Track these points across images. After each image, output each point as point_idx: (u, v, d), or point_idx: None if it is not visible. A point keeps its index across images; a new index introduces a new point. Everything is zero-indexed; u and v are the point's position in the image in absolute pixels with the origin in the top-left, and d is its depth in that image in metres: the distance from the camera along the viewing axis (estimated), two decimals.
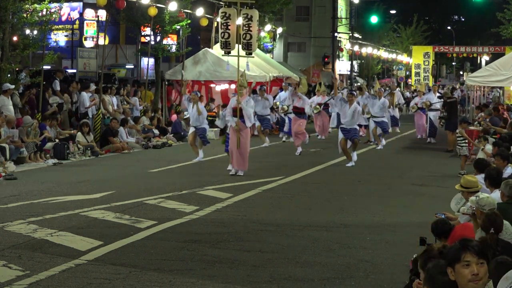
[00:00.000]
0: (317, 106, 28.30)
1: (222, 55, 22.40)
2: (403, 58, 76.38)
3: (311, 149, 25.11)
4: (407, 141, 29.03)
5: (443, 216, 9.65)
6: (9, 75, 21.44)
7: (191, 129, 20.85)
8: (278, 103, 27.90)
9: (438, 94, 29.07)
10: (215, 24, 18.05)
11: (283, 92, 28.77)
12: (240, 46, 19.15)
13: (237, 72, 18.79)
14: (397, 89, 44.02)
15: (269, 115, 27.28)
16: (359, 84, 52.46)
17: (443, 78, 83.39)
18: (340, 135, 20.29)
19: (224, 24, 18.84)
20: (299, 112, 23.98)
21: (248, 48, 19.15)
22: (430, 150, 23.85)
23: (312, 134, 28.66)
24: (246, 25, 18.88)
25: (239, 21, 19.20)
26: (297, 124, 23.64)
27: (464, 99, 52.28)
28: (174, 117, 29.10)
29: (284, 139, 27.77)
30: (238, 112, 17.83)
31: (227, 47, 19.07)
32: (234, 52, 19.46)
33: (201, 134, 20.72)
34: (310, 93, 36.02)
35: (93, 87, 24.94)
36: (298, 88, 24.40)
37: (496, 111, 23.90)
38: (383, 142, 25.70)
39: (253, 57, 20.78)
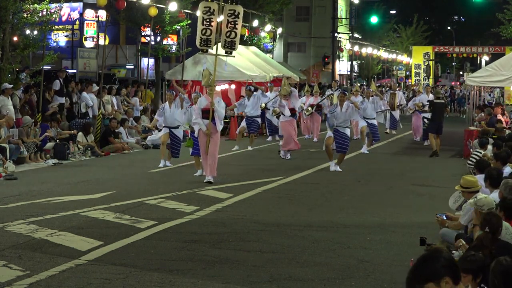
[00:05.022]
0: (309, 108, 27.70)
1: (200, 53, 20.26)
2: (403, 58, 76.39)
3: (311, 149, 25.12)
4: (405, 143, 28.99)
5: (444, 217, 9.66)
6: (9, 75, 21.45)
7: (165, 130, 19.34)
8: (263, 104, 26.79)
9: (424, 97, 28.38)
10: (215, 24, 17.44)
11: (268, 93, 27.48)
12: (220, 44, 17.63)
13: (213, 71, 17.60)
14: (398, 89, 43.87)
15: (258, 116, 25.67)
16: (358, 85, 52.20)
17: (442, 78, 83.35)
18: (329, 134, 19.29)
19: (207, 20, 17.20)
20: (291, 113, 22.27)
21: (232, 47, 17.61)
22: (429, 150, 23.82)
23: (301, 137, 28.57)
24: (232, 22, 17.32)
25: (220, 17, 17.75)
26: (289, 129, 21.85)
27: (462, 99, 52.30)
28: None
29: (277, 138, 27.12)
30: (210, 114, 16.57)
31: (207, 45, 17.46)
32: (211, 50, 18.14)
33: (174, 144, 19.34)
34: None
35: (95, 87, 24.95)
36: (281, 90, 22.59)
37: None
38: (364, 149, 24.29)
39: (233, 56, 19.04)
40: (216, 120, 16.62)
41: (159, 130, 20.69)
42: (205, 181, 16.52)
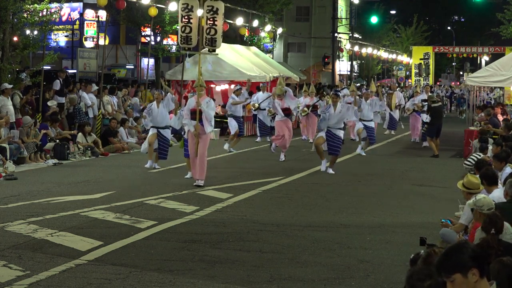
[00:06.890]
0: (305, 109, 27.37)
1: (184, 51, 19.60)
2: (403, 58, 76.41)
3: (311, 149, 25.12)
4: (404, 143, 28.93)
5: (448, 222, 9.64)
6: (9, 75, 21.46)
7: (153, 130, 18.94)
8: (257, 104, 26.48)
9: (422, 97, 28.08)
10: None
11: (260, 93, 27.15)
12: (203, 42, 17.04)
13: (198, 71, 16.98)
14: (398, 89, 43.82)
15: (242, 117, 25.34)
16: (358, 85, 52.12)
17: (442, 79, 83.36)
18: (321, 134, 18.86)
19: (186, 17, 16.66)
20: (285, 113, 21.71)
21: (212, 44, 16.91)
22: (429, 151, 23.81)
23: (299, 138, 28.47)
24: (211, 19, 16.72)
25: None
26: (282, 128, 21.45)
27: (460, 99, 52.28)
28: (171, 116, 28.99)
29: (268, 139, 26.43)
30: (197, 115, 16.13)
31: (188, 43, 16.85)
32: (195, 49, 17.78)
33: (161, 145, 18.96)
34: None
35: (94, 87, 24.94)
36: (275, 89, 22.04)
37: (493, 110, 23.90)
38: (360, 150, 23.75)
39: (216, 54, 18.42)
40: (204, 121, 16.16)
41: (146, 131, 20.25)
42: (194, 184, 16.12)
